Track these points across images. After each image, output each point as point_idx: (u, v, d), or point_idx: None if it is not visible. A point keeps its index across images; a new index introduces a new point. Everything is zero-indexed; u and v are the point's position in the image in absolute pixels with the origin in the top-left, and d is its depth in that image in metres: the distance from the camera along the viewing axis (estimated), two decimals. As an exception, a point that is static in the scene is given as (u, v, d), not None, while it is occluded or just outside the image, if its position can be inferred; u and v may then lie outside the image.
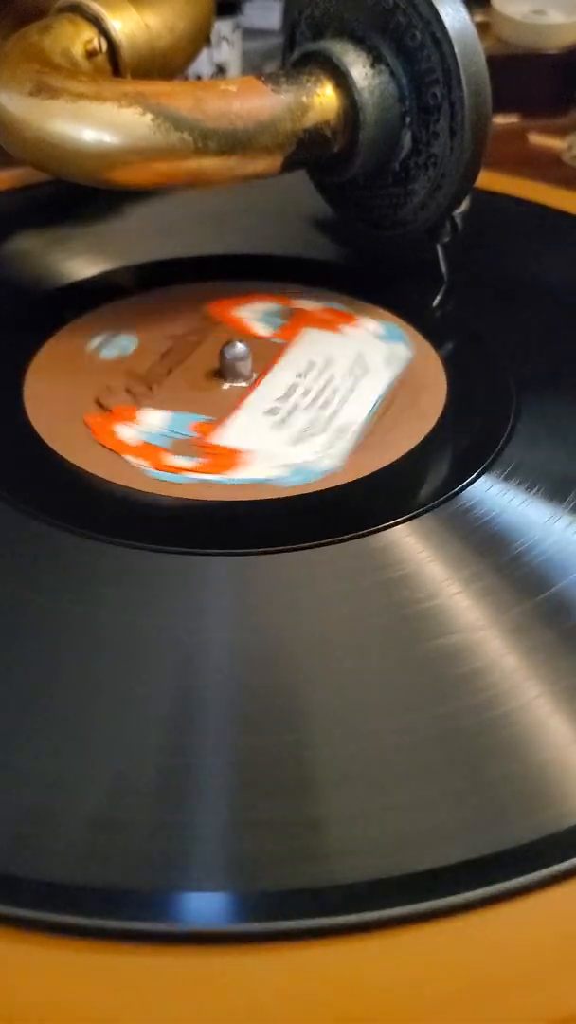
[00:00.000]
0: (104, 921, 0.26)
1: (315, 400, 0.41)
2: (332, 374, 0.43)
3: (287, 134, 0.41)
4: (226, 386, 0.42)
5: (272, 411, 0.41)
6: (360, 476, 0.38)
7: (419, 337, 0.45)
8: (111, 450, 0.39)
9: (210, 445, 0.40)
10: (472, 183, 0.45)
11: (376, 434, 0.40)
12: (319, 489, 0.37)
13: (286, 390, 0.42)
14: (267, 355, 0.44)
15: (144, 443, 0.40)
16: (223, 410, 0.41)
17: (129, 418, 0.41)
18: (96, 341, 0.45)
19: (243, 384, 0.42)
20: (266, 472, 0.38)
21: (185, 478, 0.38)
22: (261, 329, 0.46)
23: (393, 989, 0.25)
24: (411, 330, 0.46)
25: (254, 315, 0.47)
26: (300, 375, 0.43)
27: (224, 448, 0.39)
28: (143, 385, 0.43)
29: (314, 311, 0.47)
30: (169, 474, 0.38)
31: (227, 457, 0.39)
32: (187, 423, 0.41)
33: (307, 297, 0.48)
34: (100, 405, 0.41)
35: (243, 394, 0.42)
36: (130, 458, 0.39)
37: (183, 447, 0.39)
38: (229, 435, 0.40)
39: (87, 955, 0.25)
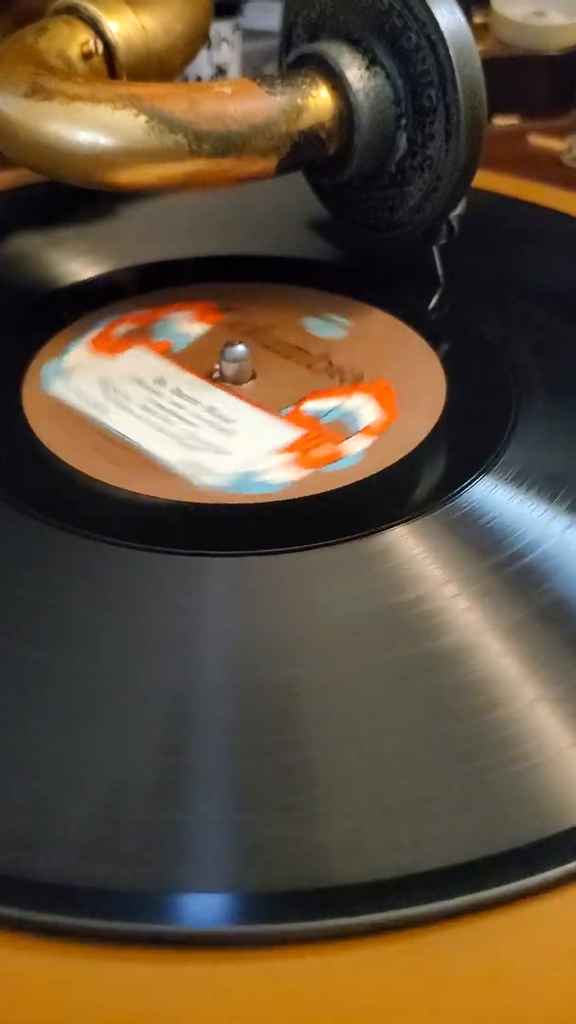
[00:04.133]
0: (103, 923, 0.26)
1: (164, 410, 0.41)
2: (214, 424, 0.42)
3: (282, 136, 0.41)
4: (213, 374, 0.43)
5: (159, 381, 0.43)
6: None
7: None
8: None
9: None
10: (468, 186, 0.44)
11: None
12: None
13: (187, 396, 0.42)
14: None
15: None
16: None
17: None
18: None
19: (217, 376, 0.43)
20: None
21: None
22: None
23: (394, 991, 0.25)
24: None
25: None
26: (211, 409, 0.42)
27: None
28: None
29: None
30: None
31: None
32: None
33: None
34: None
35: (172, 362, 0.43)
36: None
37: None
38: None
39: (86, 957, 0.25)
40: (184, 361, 0.44)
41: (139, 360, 0.44)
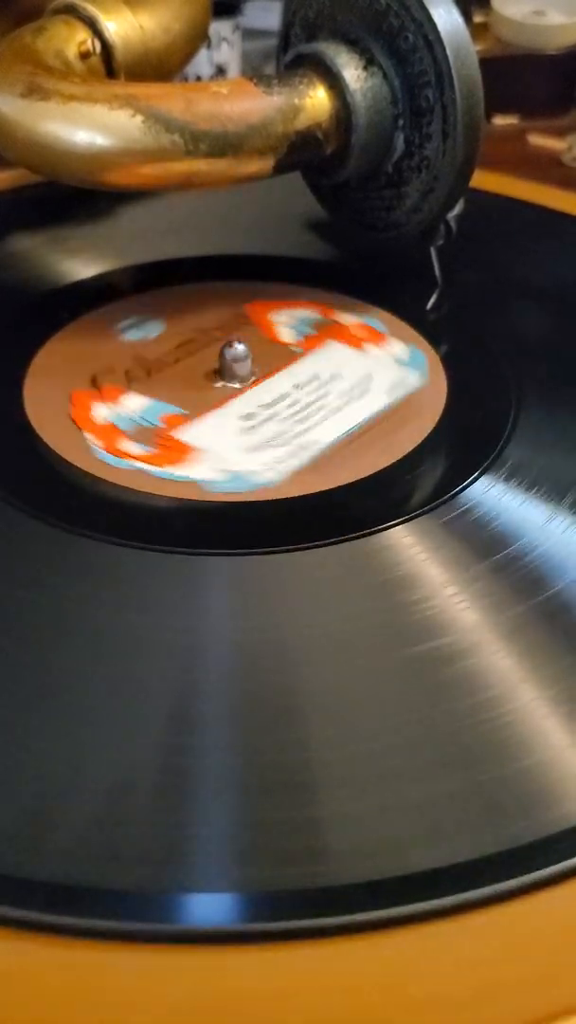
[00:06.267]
0: (103, 922, 0.26)
1: (297, 413, 0.41)
2: (328, 390, 0.42)
3: (278, 136, 0.41)
4: (219, 384, 0.42)
5: (248, 416, 0.41)
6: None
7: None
8: (74, 423, 0.40)
9: (168, 438, 0.40)
10: (466, 186, 0.44)
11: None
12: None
13: (274, 398, 0.42)
14: (280, 361, 0.44)
15: (110, 424, 0.40)
16: (202, 407, 0.41)
17: (112, 399, 0.41)
18: (125, 323, 0.46)
19: (237, 385, 0.42)
20: (203, 473, 0.38)
21: (125, 464, 0.38)
22: (287, 335, 0.45)
23: (392, 990, 0.25)
24: (430, 352, 0.45)
25: (288, 320, 0.46)
26: (297, 386, 0.42)
27: (179, 443, 0.39)
28: (143, 370, 0.43)
29: (348, 325, 0.46)
30: (114, 458, 0.39)
31: (177, 452, 0.39)
32: (160, 413, 0.41)
33: (348, 311, 0.47)
34: (93, 382, 0.42)
35: (231, 395, 0.42)
36: (88, 435, 0.39)
37: (142, 435, 0.40)
38: (192, 432, 0.40)
39: (86, 956, 0.25)
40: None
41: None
